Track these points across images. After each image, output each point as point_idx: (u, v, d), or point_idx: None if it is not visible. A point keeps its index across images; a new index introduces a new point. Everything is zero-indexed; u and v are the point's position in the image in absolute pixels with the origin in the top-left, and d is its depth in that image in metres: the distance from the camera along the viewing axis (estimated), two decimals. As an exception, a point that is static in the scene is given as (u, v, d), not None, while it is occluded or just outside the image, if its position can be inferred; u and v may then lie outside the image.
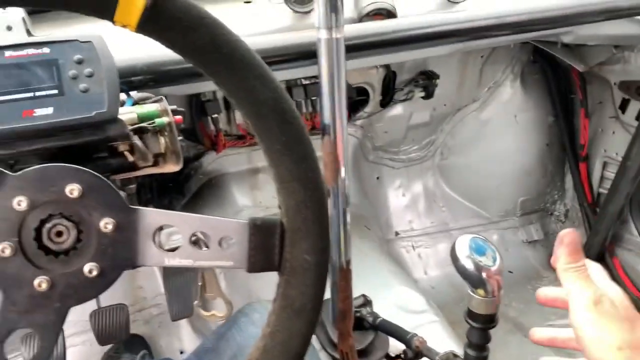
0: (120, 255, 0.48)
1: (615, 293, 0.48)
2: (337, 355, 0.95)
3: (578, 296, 0.47)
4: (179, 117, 0.74)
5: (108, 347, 1.33)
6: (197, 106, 1.29)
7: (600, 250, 1.65)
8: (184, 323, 1.43)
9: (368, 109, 1.54)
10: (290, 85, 1.35)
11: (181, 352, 1.41)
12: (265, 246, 0.49)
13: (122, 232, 0.48)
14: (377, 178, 1.75)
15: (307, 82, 1.36)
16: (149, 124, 0.72)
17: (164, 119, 0.73)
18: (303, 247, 0.48)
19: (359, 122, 1.58)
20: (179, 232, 0.64)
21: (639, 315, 0.48)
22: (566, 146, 1.74)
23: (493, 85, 1.68)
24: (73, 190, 0.46)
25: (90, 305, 1.12)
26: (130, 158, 0.72)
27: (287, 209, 0.49)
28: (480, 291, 0.66)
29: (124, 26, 0.45)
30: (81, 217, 0.47)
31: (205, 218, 0.50)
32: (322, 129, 0.71)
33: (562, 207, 1.86)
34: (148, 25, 0.44)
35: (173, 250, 0.50)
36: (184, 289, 1.21)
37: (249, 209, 1.43)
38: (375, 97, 1.51)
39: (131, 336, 1.34)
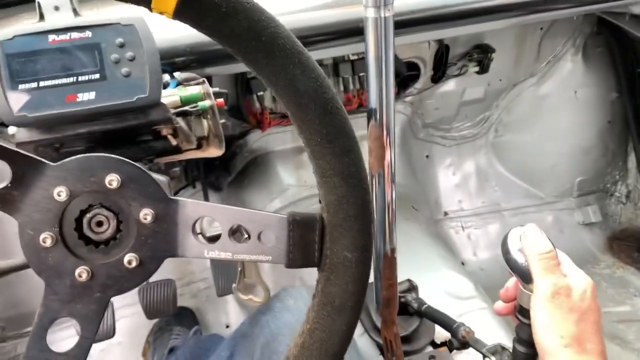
0: (160, 246, 0.47)
1: (580, 284, 0.52)
2: (380, 341, 0.94)
3: (540, 286, 0.52)
4: (221, 100, 0.72)
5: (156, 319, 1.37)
6: (242, 84, 1.28)
7: (663, 234, 1.56)
8: (230, 298, 1.45)
9: (419, 84, 1.49)
10: (337, 61, 1.32)
11: (227, 327, 1.44)
12: (304, 242, 0.47)
13: (162, 223, 0.47)
14: (427, 156, 1.70)
15: (355, 57, 1.32)
16: (192, 108, 0.72)
17: (207, 102, 0.72)
18: (344, 244, 0.47)
19: (408, 99, 1.53)
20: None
21: (593, 309, 0.51)
22: (630, 124, 1.64)
23: (552, 59, 1.58)
24: (112, 180, 0.45)
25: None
26: (174, 142, 0.72)
27: (327, 204, 0.47)
28: (532, 287, 0.62)
29: (161, 13, 0.43)
30: (121, 207, 0.47)
31: (245, 211, 0.48)
32: (368, 114, 0.68)
33: (624, 187, 1.76)
34: (185, 11, 0.42)
35: (213, 240, 0.49)
36: (230, 266, 1.22)
37: (293, 187, 1.42)
38: (426, 72, 1.46)
39: (181, 309, 1.38)
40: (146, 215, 0.46)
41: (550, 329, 0.50)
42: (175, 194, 1.39)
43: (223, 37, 0.44)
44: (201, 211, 0.48)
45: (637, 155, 1.65)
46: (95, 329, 0.48)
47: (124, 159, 0.46)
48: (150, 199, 0.47)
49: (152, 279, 1.22)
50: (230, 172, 1.46)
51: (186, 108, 0.71)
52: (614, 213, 1.77)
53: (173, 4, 0.42)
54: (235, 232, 0.52)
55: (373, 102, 0.67)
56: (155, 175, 0.67)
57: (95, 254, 0.47)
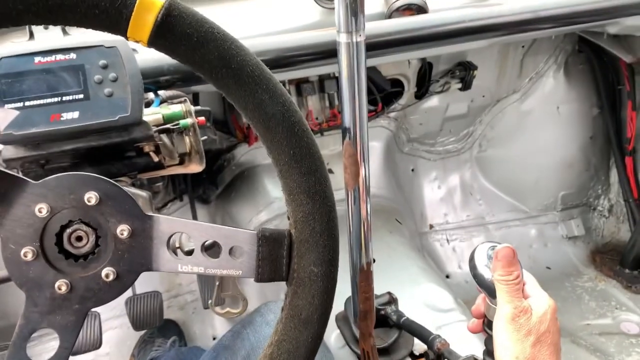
0: (136, 261, 0.50)
1: (540, 306, 0.54)
2: (359, 352, 0.96)
3: (501, 308, 0.54)
4: (201, 118, 0.75)
5: (143, 331, 1.38)
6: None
7: (645, 247, 1.59)
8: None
9: (402, 101, 1.52)
10: (323, 78, 1.35)
11: (214, 339, 1.45)
12: (273, 257, 0.50)
13: (138, 239, 0.49)
14: (412, 170, 1.73)
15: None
16: (174, 125, 0.74)
17: (188, 121, 0.74)
18: (310, 259, 0.49)
19: (392, 115, 1.56)
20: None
21: (552, 331, 0.54)
22: (612, 139, 1.67)
23: (535, 75, 1.62)
24: (91, 198, 0.48)
25: (126, 291, 1.17)
26: (156, 158, 0.74)
27: (295, 221, 0.49)
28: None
29: (136, 41, 0.46)
30: (99, 223, 0.49)
31: (217, 228, 0.51)
32: (342, 132, 0.71)
33: (606, 202, 1.79)
34: (159, 40, 0.45)
35: (189, 254, 0.52)
36: (215, 279, 1.24)
37: (279, 200, 1.44)
38: (410, 88, 1.49)
39: (166, 322, 1.39)
40: (123, 230, 0.49)
41: (507, 350, 0.52)
42: (163, 207, 1.42)
43: (195, 65, 0.47)
44: (175, 227, 0.50)
45: (619, 170, 1.68)
46: (74, 339, 0.50)
47: (102, 177, 0.49)
48: (127, 215, 0.49)
49: (139, 291, 1.25)
50: (218, 186, 1.48)
51: (168, 126, 0.74)
52: (596, 227, 1.80)
53: (147, 34, 0.44)
54: (211, 248, 0.55)
55: (347, 121, 0.70)
56: (137, 191, 0.70)
57: (74, 267, 0.49)
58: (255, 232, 0.50)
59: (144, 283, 1.34)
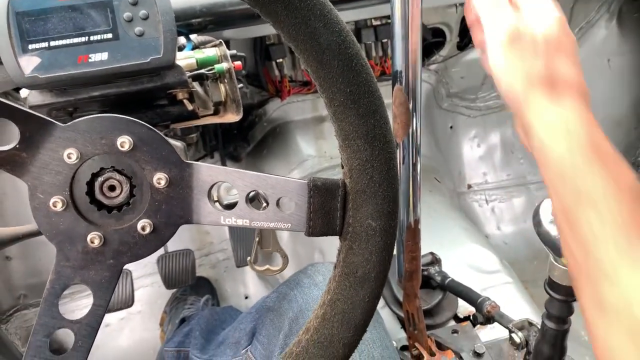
0: (174, 212, 0.45)
1: (545, 22, 0.43)
2: (401, 314, 0.92)
3: (492, 31, 0.44)
4: (238, 63, 0.69)
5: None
6: (261, 50, 1.25)
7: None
8: (249, 269, 1.43)
9: (444, 52, 1.43)
10: (360, 27, 1.28)
11: (246, 297, 1.43)
12: (326, 209, 0.45)
13: (176, 188, 0.45)
14: (451, 127, 1.65)
15: (378, 22, 1.28)
16: (208, 71, 0.69)
17: (223, 65, 0.69)
18: (367, 211, 0.44)
19: (433, 67, 1.48)
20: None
21: (567, 52, 0.44)
22: (666, 95, 1.57)
23: (585, 25, 1.51)
24: (124, 142, 0.43)
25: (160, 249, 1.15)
26: (190, 106, 0.69)
27: (350, 169, 0.44)
28: (565, 260, 0.59)
29: None
30: (133, 171, 0.45)
31: (264, 176, 0.46)
32: (392, 77, 0.64)
33: (655, 161, 1.69)
34: None
35: (230, 207, 0.47)
36: (249, 236, 1.21)
37: (313, 158, 1.39)
38: (452, 38, 1.41)
39: (198, 279, 1.37)
40: (160, 179, 0.44)
41: (514, 73, 0.43)
42: (193, 163, 1.37)
43: None
44: (217, 176, 0.45)
45: (671, 128, 1.59)
46: (109, 296, 0.47)
47: (136, 120, 0.44)
48: (164, 163, 0.44)
49: (171, 249, 1.22)
50: (249, 142, 1.43)
51: (202, 71, 0.69)
52: (644, 187, 1.71)
53: None
54: (253, 200, 0.50)
55: (398, 64, 0.63)
56: (172, 141, 0.65)
57: (107, 219, 0.45)
58: (305, 181, 0.44)
59: (175, 242, 1.31)
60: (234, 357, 0.81)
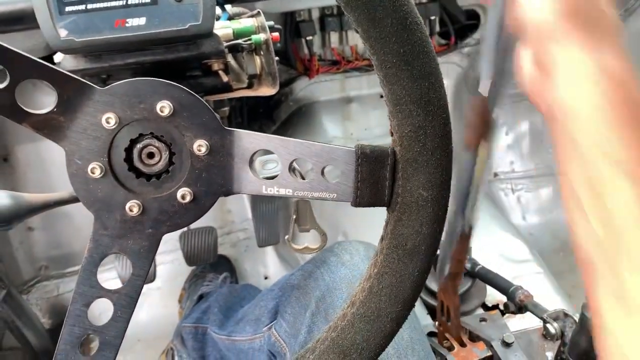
0: (215, 181, 0.44)
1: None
2: (430, 302, 0.90)
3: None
4: (276, 34, 0.67)
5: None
6: (290, 27, 1.22)
7: None
8: (269, 250, 1.43)
9: (477, 35, 1.39)
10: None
11: (265, 278, 1.42)
12: (374, 178, 0.42)
13: (217, 156, 0.43)
14: (479, 113, 1.61)
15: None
16: (245, 41, 0.66)
17: (261, 36, 0.67)
18: (419, 181, 0.41)
19: (465, 50, 1.44)
20: (274, 160, 0.60)
21: None
22: None
23: (624, 13, 1.46)
24: (164, 107, 0.42)
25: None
26: (225, 78, 0.67)
27: (401, 136, 0.41)
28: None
29: None
30: (173, 137, 0.43)
31: (308, 144, 0.44)
32: (473, 82, 0.60)
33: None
34: None
35: (270, 178, 0.45)
36: (272, 216, 1.19)
37: (339, 139, 1.37)
38: (486, 21, 1.37)
39: (219, 257, 1.36)
40: (200, 146, 0.43)
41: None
42: (218, 141, 1.36)
43: None
44: (259, 143, 0.44)
45: None
46: (148, 266, 0.45)
47: (176, 84, 0.42)
48: (204, 129, 0.43)
49: (193, 226, 1.21)
50: (275, 121, 1.41)
51: (239, 41, 0.66)
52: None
53: None
54: (294, 172, 0.48)
55: (485, 68, 0.58)
56: (207, 112, 0.63)
57: (146, 187, 0.44)
58: (352, 149, 0.42)
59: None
60: (254, 334, 0.80)
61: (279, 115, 1.41)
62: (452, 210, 0.70)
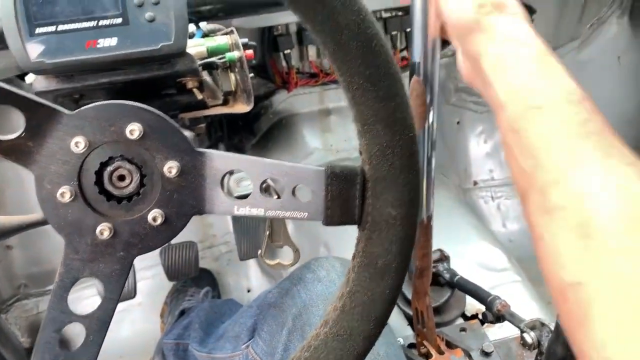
0: (187, 202, 0.44)
1: None
2: (409, 311, 0.90)
3: None
4: (250, 51, 0.67)
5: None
6: (268, 41, 1.23)
7: None
8: (252, 263, 1.43)
9: (453, 46, 1.41)
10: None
11: (248, 291, 1.42)
12: (344, 197, 0.43)
13: (188, 177, 0.43)
14: (458, 122, 1.63)
15: (388, 15, 1.26)
16: (219, 59, 0.67)
17: (235, 54, 0.67)
18: (388, 199, 0.42)
19: (442, 61, 1.46)
20: (248, 179, 0.60)
21: None
22: (676, 93, 1.55)
23: (596, 21, 1.49)
24: (134, 130, 0.42)
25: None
26: (199, 96, 0.68)
27: (370, 155, 0.42)
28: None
29: None
30: (144, 159, 0.43)
31: (279, 164, 0.44)
32: (410, 68, 0.62)
33: (664, 161, 1.67)
34: None
35: (243, 197, 0.45)
36: (253, 229, 1.19)
37: (319, 151, 1.37)
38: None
39: (200, 271, 1.36)
40: (171, 168, 0.43)
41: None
42: (198, 154, 1.36)
43: None
44: (230, 164, 0.44)
45: (682, 126, 1.57)
46: (120, 289, 0.45)
47: (145, 106, 0.42)
48: (175, 151, 0.43)
49: (173, 241, 1.21)
50: (255, 134, 1.41)
51: (213, 59, 0.67)
52: (653, 188, 1.69)
53: None
54: (267, 190, 0.49)
55: (417, 55, 0.61)
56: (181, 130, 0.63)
57: (117, 210, 0.43)
58: (323, 168, 0.43)
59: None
60: (233, 352, 0.79)
61: (259, 128, 1.41)
62: None
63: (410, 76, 0.63)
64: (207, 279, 1.37)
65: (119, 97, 0.66)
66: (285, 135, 1.38)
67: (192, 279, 1.32)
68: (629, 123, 1.61)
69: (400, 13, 1.25)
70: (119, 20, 0.58)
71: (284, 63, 1.27)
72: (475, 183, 1.65)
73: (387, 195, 0.42)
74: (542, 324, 0.74)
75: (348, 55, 0.40)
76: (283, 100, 1.37)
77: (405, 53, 1.33)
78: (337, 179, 0.43)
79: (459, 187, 1.58)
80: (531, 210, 0.36)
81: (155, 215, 0.43)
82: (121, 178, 0.43)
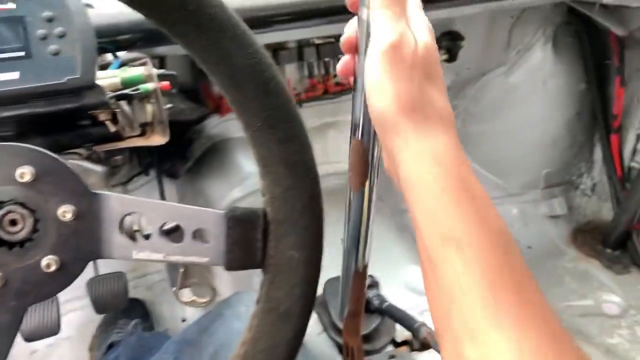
0: (83, 247, 0.42)
1: (425, 34, 0.41)
2: (339, 340, 0.90)
3: (378, 36, 0.39)
4: (166, 83, 0.66)
5: (107, 314, 1.30)
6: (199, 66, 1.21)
7: (628, 227, 1.56)
8: (186, 292, 1.39)
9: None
10: (302, 44, 1.26)
11: (183, 320, 1.38)
12: (245, 240, 0.42)
13: (84, 221, 0.41)
14: (394, 145, 1.65)
15: (320, 41, 1.27)
16: (133, 91, 0.65)
17: (149, 85, 0.66)
18: (289, 242, 0.42)
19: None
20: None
21: (438, 77, 0.41)
22: (597, 116, 1.63)
23: (522, 48, 1.56)
24: (24, 173, 0.40)
25: (89, 271, 1.09)
26: (112, 128, 0.66)
27: (271, 197, 0.42)
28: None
29: None
30: (37, 203, 0.41)
31: (179, 207, 0.43)
32: (352, 125, 0.61)
33: (589, 180, 1.75)
34: None
35: (146, 238, 0.44)
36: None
37: (254, 176, 1.36)
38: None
39: (130, 301, 1.31)
40: (65, 212, 0.41)
41: (384, 91, 0.38)
42: (128, 181, 1.32)
43: (143, 7, 0.38)
44: (128, 207, 0.42)
45: (604, 147, 1.65)
46: (11, 342, 0.42)
47: (37, 148, 0.41)
48: (70, 194, 0.41)
49: (103, 271, 1.16)
50: (187, 159, 1.39)
51: (126, 91, 0.65)
52: (579, 205, 1.76)
53: None
54: (174, 232, 0.47)
55: (357, 116, 0.59)
56: (91, 165, 0.61)
57: (8, 256, 0.41)
58: (223, 212, 0.42)
59: (108, 262, 1.25)
60: None
61: (192, 153, 1.39)
62: (346, 249, 0.71)
63: (352, 134, 0.62)
64: (138, 310, 1.32)
65: (29, 130, 0.64)
66: (219, 160, 1.36)
67: (122, 310, 1.27)
68: (554, 144, 1.68)
69: (332, 40, 1.26)
70: (22, 53, 0.56)
71: (215, 88, 1.26)
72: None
73: (289, 238, 0.42)
74: (465, 351, 0.75)
75: (245, 97, 0.40)
76: (216, 125, 1.36)
77: (339, 79, 1.34)
78: (238, 222, 0.42)
79: (396, 209, 1.59)
80: (445, 355, 0.35)
81: (49, 262, 0.41)
82: (13, 223, 0.41)
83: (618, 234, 1.59)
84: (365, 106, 0.56)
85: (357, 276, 0.71)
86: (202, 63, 0.40)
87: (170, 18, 0.38)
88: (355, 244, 0.68)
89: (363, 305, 0.76)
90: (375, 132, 0.57)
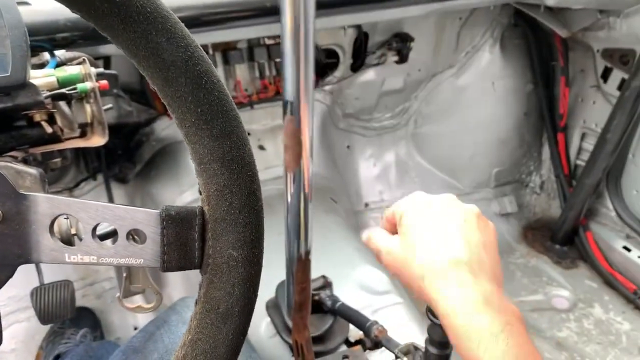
0: (10, 251, 0.40)
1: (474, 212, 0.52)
2: (290, 341, 0.89)
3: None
4: (104, 82, 0.64)
5: (53, 324, 1.25)
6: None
7: (575, 223, 1.61)
8: (137, 299, 1.35)
9: (338, 73, 1.45)
10: (253, 45, 1.25)
11: (135, 329, 1.34)
12: (182, 240, 0.41)
13: (12, 224, 0.39)
14: (347, 147, 1.66)
15: (272, 42, 1.26)
16: (70, 90, 0.63)
17: (87, 85, 0.63)
18: (228, 241, 0.40)
19: (327, 88, 1.49)
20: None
21: (492, 245, 0.51)
22: (544, 115, 1.68)
23: (471, 50, 1.59)
24: None
25: (35, 280, 1.04)
26: (49, 129, 0.63)
27: (208, 195, 0.40)
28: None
29: None
30: None
31: (112, 207, 0.41)
32: (283, 106, 0.61)
33: (538, 178, 1.80)
34: None
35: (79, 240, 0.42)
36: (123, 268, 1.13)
37: (206, 179, 1.34)
38: (345, 60, 1.42)
39: (79, 310, 1.27)
40: (-10, 215, 0.39)
41: (437, 254, 0.47)
42: (75, 186, 1.28)
43: (72, 1, 0.36)
44: (58, 208, 0.40)
45: (551, 146, 1.70)
46: None
47: None
48: None
49: (49, 279, 1.12)
50: (136, 163, 1.35)
51: (63, 91, 0.62)
52: (528, 203, 1.81)
53: None
54: (108, 232, 0.45)
55: (289, 93, 0.60)
56: (25, 168, 0.58)
57: None
58: (157, 211, 0.40)
59: (55, 270, 1.21)
60: None
61: (141, 157, 1.35)
62: (288, 237, 0.71)
63: (284, 114, 0.62)
64: (87, 319, 1.28)
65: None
66: (170, 162, 1.33)
67: (70, 319, 1.23)
68: (503, 142, 1.72)
69: (267, 41, 1.26)
70: (-55, 50, 0.53)
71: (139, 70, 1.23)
72: (367, 205, 1.68)
73: (227, 237, 0.40)
74: (416, 348, 0.75)
75: (177, 92, 0.38)
76: (166, 127, 1.33)
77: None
78: (173, 222, 0.40)
79: (350, 210, 1.60)
80: None
81: (-28, 268, 0.39)
82: None
83: (566, 230, 1.64)
84: (298, 81, 0.58)
85: (300, 264, 0.71)
86: (132, 58, 0.38)
87: (97, 10, 0.36)
88: (297, 229, 0.68)
89: (309, 295, 0.76)
90: (307, 110, 0.60)
